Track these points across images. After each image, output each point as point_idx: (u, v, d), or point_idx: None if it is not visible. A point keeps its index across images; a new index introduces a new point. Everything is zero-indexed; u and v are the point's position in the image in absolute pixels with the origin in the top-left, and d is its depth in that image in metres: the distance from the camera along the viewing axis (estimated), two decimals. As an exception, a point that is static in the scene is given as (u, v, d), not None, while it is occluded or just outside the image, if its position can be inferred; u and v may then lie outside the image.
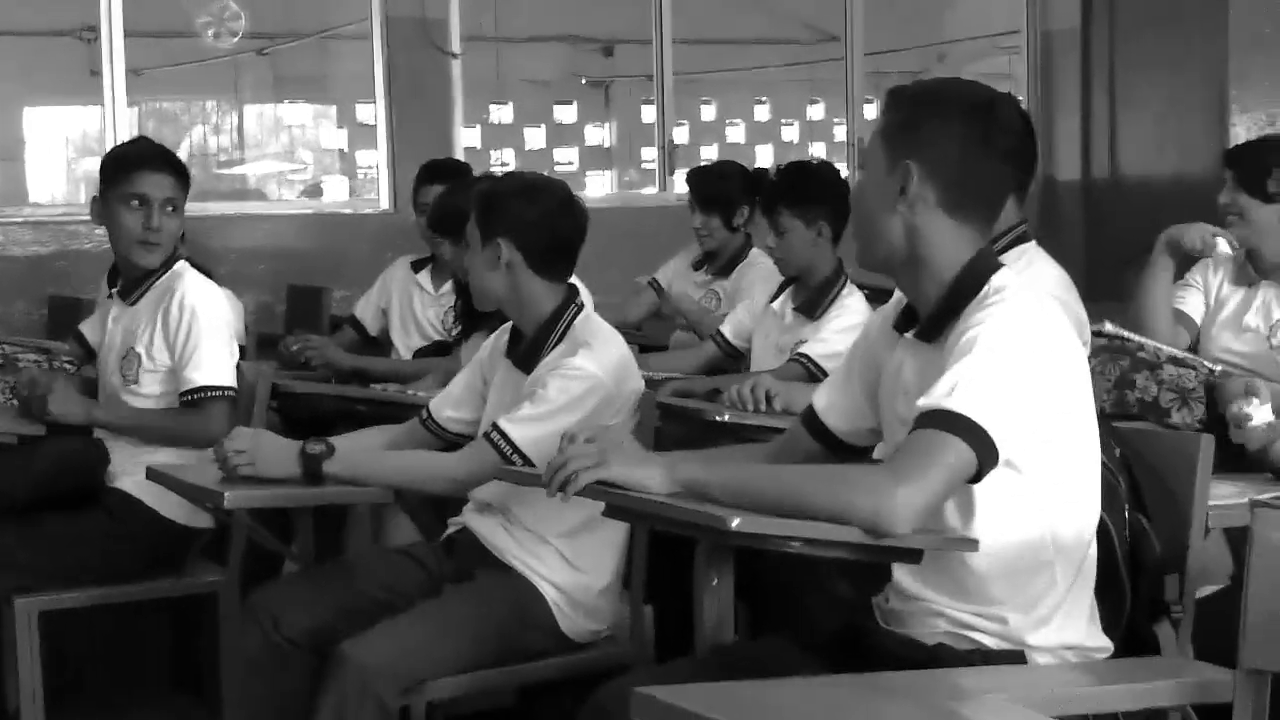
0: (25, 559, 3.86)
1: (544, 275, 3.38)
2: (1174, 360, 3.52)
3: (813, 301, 4.58)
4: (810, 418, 2.83)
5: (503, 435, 3.26)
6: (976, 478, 2.39)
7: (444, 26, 7.58)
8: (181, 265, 4.14)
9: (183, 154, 9.94)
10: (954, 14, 10.68)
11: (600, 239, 7.92)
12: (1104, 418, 2.66)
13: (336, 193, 9.79)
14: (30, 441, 4.11)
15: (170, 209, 4.08)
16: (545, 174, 3.69)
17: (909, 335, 2.60)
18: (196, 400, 4.02)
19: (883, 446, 2.75)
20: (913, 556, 2.48)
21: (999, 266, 2.56)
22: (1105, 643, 2.56)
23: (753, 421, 4.06)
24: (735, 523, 2.34)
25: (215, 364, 4.04)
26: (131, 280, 4.15)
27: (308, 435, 3.44)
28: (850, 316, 4.46)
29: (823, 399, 2.83)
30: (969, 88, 2.62)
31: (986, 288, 2.51)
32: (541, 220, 3.36)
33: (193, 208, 5.66)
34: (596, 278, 6.38)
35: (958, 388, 2.38)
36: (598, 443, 2.59)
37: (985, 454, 2.36)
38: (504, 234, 3.35)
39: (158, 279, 4.12)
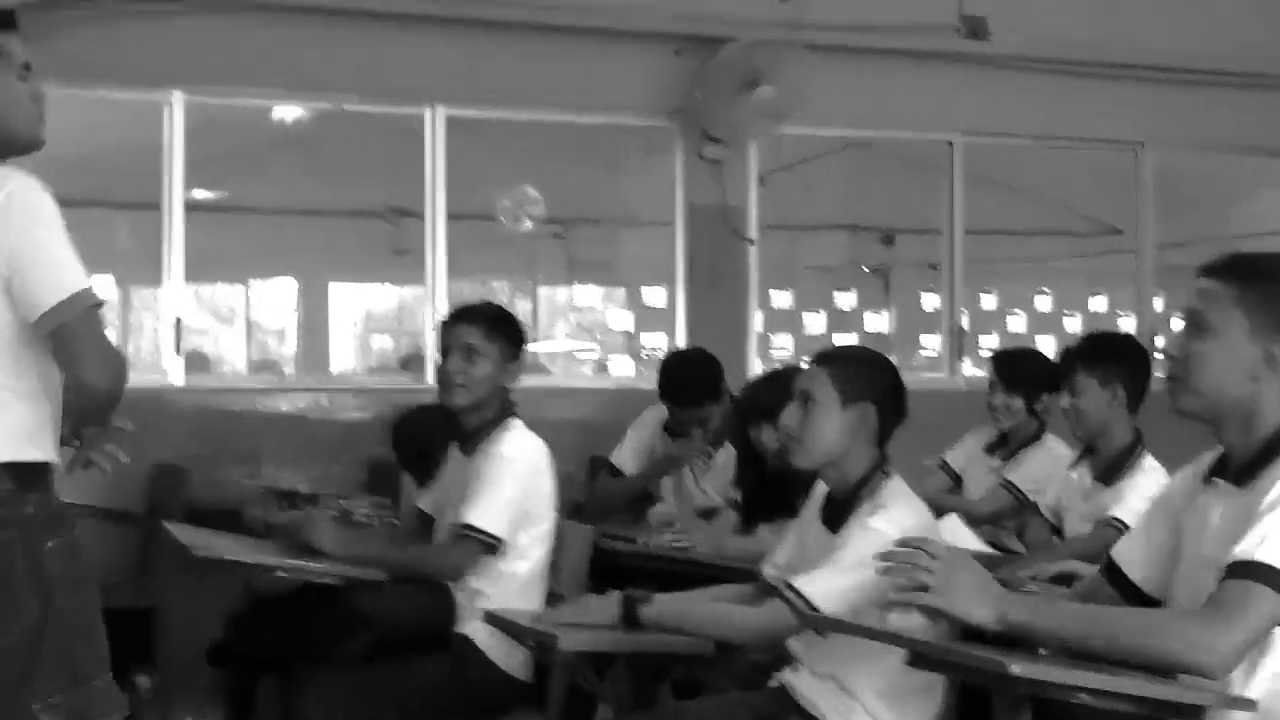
0: (364, 709, 4.12)
1: (875, 443, 3.57)
2: None
3: (1111, 468, 4.68)
4: (1110, 567, 2.97)
5: (797, 593, 3.42)
6: None
7: (742, 214, 7.90)
8: (512, 421, 4.42)
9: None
10: (1245, 207, 10.60)
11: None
12: None
13: (622, 373, 10.09)
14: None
15: (471, 355, 4.37)
16: None
17: (1222, 482, 2.76)
18: (459, 536, 4.25)
19: (1181, 588, 2.85)
20: (1194, 713, 2.58)
21: None
22: None
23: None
24: (1014, 668, 2.47)
25: (492, 510, 4.26)
26: (468, 434, 4.45)
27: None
28: (1153, 477, 4.54)
29: (1123, 550, 2.98)
30: None
31: None
32: (896, 390, 3.57)
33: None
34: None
35: (1267, 539, 2.54)
36: (941, 566, 2.75)
37: None
38: (869, 399, 3.57)
39: (492, 432, 4.40)
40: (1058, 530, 4.99)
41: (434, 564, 4.32)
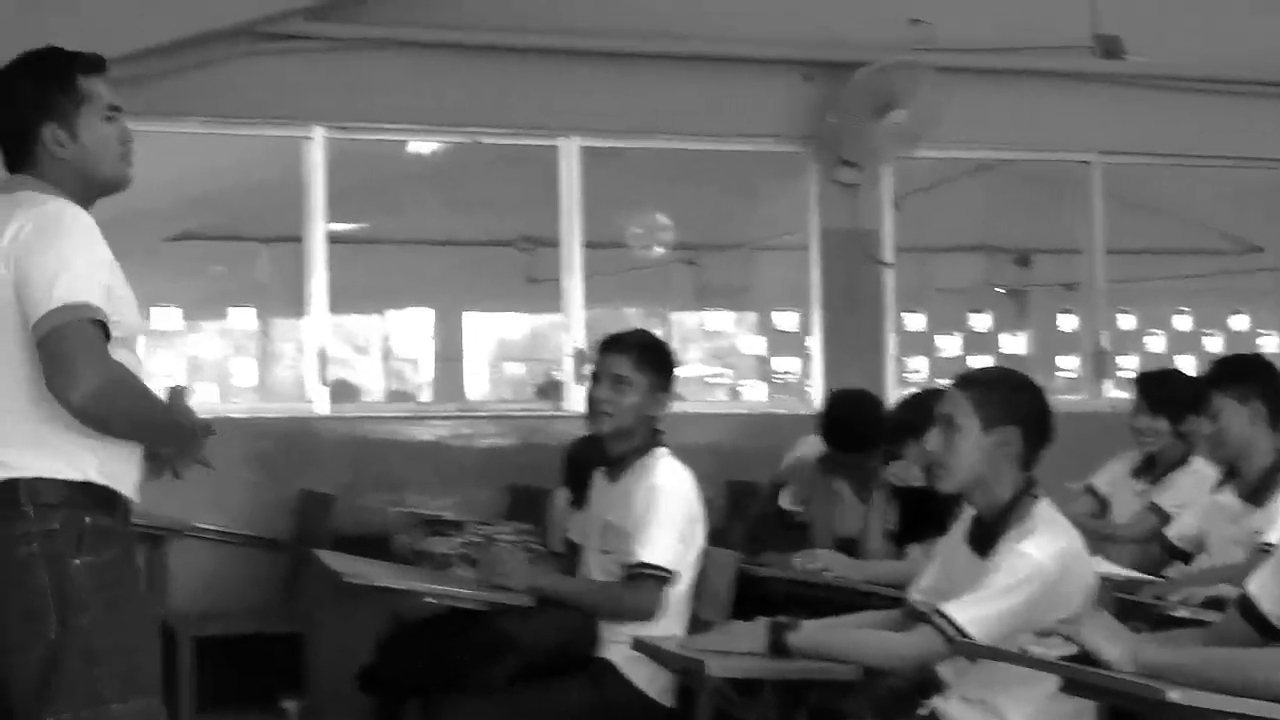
0: None
1: (1021, 466, 3.56)
2: None
3: (1258, 489, 4.62)
4: (1244, 602, 2.94)
5: (948, 620, 3.42)
6: None
7: (877, 237, 7.90)
8: (662, 451, 4.47)
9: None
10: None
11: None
12: None
13: (754, 398, 10.07)
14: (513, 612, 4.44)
15: (619, 384, 4.42)
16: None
17: None
18: (635, 575, 4.29)
19: None
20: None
21: None
22: None
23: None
24: (1172, 695, 2.46)
25: (662, 545, 4.31)
26: (613, 459, 4.50)
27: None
28: None
29: (1256, 584, 2.94)
30: None
31: None
32: (1041, 413, 3.56)
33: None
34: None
35: None
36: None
37: None
38: (1012, 423, 3.55)
39: (639, 460, 4.45)
40: (1185, 556, 4.91)
41: (616, 604, 4.35)
